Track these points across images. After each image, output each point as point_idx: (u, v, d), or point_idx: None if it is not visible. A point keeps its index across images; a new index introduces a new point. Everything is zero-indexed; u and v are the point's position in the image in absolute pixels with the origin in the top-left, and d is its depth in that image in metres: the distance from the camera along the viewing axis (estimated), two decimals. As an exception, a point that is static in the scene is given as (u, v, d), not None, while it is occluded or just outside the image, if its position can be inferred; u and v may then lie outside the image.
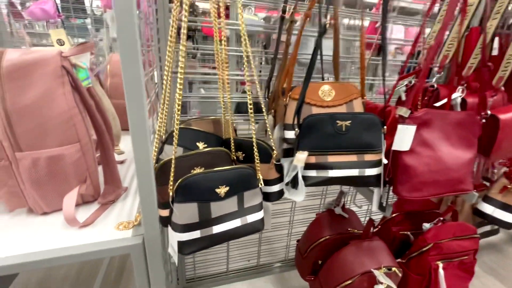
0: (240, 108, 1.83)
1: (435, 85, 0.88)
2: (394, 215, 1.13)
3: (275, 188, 0.69)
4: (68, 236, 0.55)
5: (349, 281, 0.82)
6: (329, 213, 1.03)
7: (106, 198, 0.66)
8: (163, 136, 0.68)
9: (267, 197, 0.68)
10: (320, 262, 1.01)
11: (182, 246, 0.56)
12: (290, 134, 0.66)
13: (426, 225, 1.00)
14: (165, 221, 0.60)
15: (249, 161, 0.69)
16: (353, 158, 0.60)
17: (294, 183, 0.61)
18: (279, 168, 0.65)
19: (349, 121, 0.58)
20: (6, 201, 0.59)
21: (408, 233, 1.11)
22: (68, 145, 0.58)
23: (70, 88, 0.58)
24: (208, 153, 0.63)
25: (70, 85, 0.58)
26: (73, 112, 0.58)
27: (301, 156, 0.59)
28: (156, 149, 0.61)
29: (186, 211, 0.55)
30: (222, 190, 0.57)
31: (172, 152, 0.65)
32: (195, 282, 1.21)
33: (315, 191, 1.38)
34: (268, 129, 0.71)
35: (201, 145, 0.72)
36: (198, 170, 0.62)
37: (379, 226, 1.19)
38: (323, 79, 0.89)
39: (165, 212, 0.60)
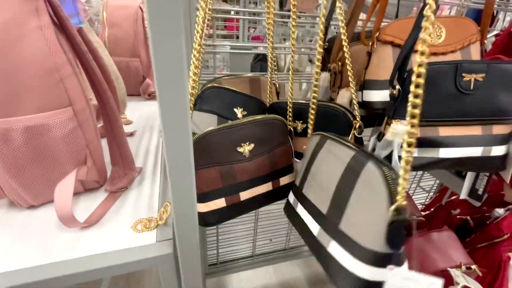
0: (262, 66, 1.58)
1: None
2: (453, 197, 0.96)
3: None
4: (64, 242, 0.37)
5: (416, 281, 0.67)
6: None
7: (115, 184, 0.48)
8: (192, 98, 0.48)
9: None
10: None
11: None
12: (378, 96, 0.46)
13: (499, 211, 0.83)
14: (204, 218, 0.42)
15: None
16: (476, 130, 0.41)
17: None
18: (361, 143, 0.46)
19: (483, 74, 0.38)
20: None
21: (468, 217, 0.95)
22: (55, 110, 0.38)
23: (49, 20, 0.37)
24: (259, 123, 0.43)
25: (49, 17, 0.37)
26: (58, 60, 0.38)
27: (400, 128, 0.40)
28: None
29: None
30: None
31: (204, 121, 0.45)
32: (218, 267, 1.09)
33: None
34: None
35: (239, 111, 0.52)
36: (246, 148, 0.42)
37: (432, 209, 1.03)
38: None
39: (202, 207, 0.42)
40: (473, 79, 0.38)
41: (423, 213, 1.02)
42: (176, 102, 0.26)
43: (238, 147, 0.42)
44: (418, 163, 0.42)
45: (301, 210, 0.41)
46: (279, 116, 0.45)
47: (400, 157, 0.42)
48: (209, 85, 0.49)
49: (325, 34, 0.61)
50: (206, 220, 0.42)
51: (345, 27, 0.40)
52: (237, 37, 1.61)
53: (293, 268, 1.25)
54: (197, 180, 0.41)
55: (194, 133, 0.45)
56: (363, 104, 0.48)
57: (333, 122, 0.46)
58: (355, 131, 0.45)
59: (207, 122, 0.48)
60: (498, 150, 0.42)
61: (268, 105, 0.56)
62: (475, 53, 0.45)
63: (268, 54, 0.53)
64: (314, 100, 0.44)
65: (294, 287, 1.18)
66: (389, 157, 0.42)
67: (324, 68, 0.64)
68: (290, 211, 0.45)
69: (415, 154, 0.42)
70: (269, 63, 0.54)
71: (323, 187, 0.36)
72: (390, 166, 0.30)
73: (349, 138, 0.47)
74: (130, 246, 0.38)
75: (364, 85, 0.47)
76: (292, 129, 0.48)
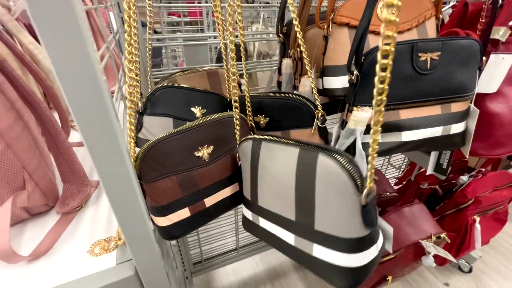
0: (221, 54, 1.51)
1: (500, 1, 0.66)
2: (422, 169, 1.00)
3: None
4: (6, 281, 0.33)
5: (392, 255, 0.69)
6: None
7: (67, 205, 0.44)
8: (139, 103, 0.43)
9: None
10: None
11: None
12: (338, 82, 0.44)
13: (464, 178, 0.88)
14: (168, 231, 0.39)
15: (275, 127, 0.48)
16: (436, 110, 0.40)
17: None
18: (325, 133, 0.44)
19: (438, 53, 0.37)
20: None
21: (436, 186, 0.99)
22: (-30, 134, 0.33)
23: None
24: (216, 123, 0.40)
25: None
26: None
27: (362, 115, 0.38)
28: (132, 125, 0.37)
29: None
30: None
31: (158, 126, 0.42)
32: (203, 265, 1.08)
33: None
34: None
35: (197, 110, 0.48)
36: (205, 152, 0.39)
37: (403, 182, 1.07)
38: None
39: (163, 221, 0.39)
40: (429, 58, 0.37)
41: (396, 187, 1.06)
42: (99, 112, 0.22)
43: (195, 151, 0.39)
44: (381, 149, 0.42)
45: (265, 223, 0.38)
46: (236, 113, 0.42)
47: (363, 144, 0.42)
48: (159, 85, 0.44)
49: (282, 17, 0.57)
50: (171, 233, 0.39)
51: (295, 11, 0.37)
52: (201, 23, 1.52)
53: (278, 254, 1.27)
54: (153, 194, 0.37)
55: (148, 141, 0.41)
56: (324, 92, 0.47)
57: (295, 113, 0.44)
58: (318, 121, 0.44)
59: (162, 127, 0.44)
60: (457, 128, 0.42)
61: (229, 99, 0.53)
62: (431, 30, 0.44)
63: (220, 42, 0.49)
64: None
65: (281, 272, 1.20)
66: (353, 145, 0.41)
67: (285, 54, 0.61)
68: (252, 227, 0.41)
69: (379, 139, 0.41)
70: (224, 53, 0.50)
71: (281, 194, 0.34)
72: (340, 151, 0.29)
73: (313, 129, 0.45)
74: (87, 274, 0.34)
75: (323, 72, 0.45)
76: (253, 124, 0.45)
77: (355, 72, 0.37)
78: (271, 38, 1.04)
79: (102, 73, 0.22)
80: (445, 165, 0.58)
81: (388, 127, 0.40)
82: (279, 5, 0.56)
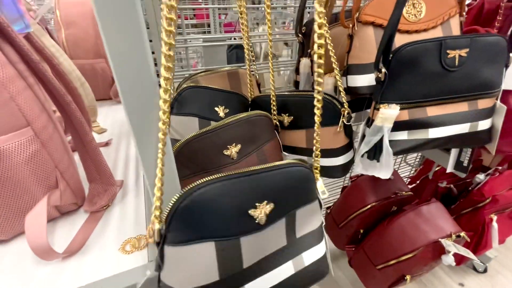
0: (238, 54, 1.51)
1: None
2: (437, 167, 0.99)
3: (339, 160, 0.49)
4: (43, 278, 0.34)
5: (411, 254, 0.69)
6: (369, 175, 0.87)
7: (95, 204, 0.44)
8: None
9: (327, 172, 0.49)
10: (361, 231, 0.88)
11: None
12: (363, 80, 0.44)
13: (480, 177, 0.87)
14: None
15: (299, 125, 0.48)
16: (463, 107, 0.40)
17: (375, 152, 0.41)
18: (350, 131, 0.45)
19: (466, 49, 0.37)
20: None
21: (451, 186, 0.99)
22: (10, 134, 0.34)
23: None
24: (243, 122, 0.40)
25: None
26: (3, 74, 0.32)
27: (390, 112, 0.38)
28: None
29: (194, 263, 0.27)
30: (260, 211, 0.30)
31: (184, 125, 0.42)
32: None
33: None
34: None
35: (221, 110, 0.49)
36: (233, 150, 0.40)
37: (417, 181, 1.06)
38: None
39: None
40: (458, 55, 0.37)
41: (410, 186, 1.06)
42: (145, 106, 0.23)
43: (224, 150, 0.39)
44: (409, 146, 0.42)
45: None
46: (263, 112, 0.43)
47: (390, 141, 0.42)
48: (185, 85, 0.45)
49: (301, 17, 0.58)
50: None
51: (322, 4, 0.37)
52: (208, 25, 1.53)
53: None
54: (185, 191, 0.38)
55: (176, 140, 0.41)
56: (349, 90, 0.47)
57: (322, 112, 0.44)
58: (344, 119, 0.44)
59: (188, 126, 0.45)
60: (484, 124, 0.42)
61: (250, 99, 0.53)
62: (455, 27, 0.44)
63: (244, 44, 0.49)
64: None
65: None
66: (379, 143, 0.41)
67: (303, 53, 0.62)
68: None
69: (405, 137, 0.42)
70: (246, 54, 0.50)
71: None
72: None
73: (338, 127, 0.45)
74: (120, 271, 0.35)
75: (348, 70, 0.45)
76: (277, 123, 0.46)
77: (383, 70, 0.37)
78: (277, 39, 1.04)
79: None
80: (466, 162, 0.57)
81: (415, 124, 0.40)
82: (283, 6, 0.56)
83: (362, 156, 0.43)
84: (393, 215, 0.79)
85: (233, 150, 0.40)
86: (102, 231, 0.41)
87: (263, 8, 1.77)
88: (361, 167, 0.45)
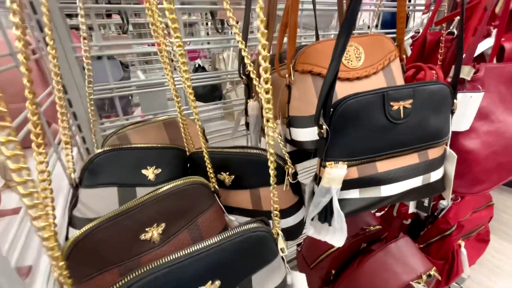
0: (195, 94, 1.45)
1: (456, 32, 0.68)
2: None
3: (290, 221, 0.43)
4: None
5: (384, 300, 0.64)
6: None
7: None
8: (72, 175, 0.36)
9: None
10: (333, 271, 0.82)
11: None
12: (306, 135, 0.40)
13: (444, 203, 0.86)
14: None
15: (242, 185, 0.42)
16: (414, 159, 0.37)
17: (326, 215, 0.36)
18: (298, 188, 0.39)
19: (410, 100, 0.34)
20: None
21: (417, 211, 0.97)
22: None
23: None
24: (168, 196, 0.33)
25: None
26: None
27: (337, 172, 0.34)
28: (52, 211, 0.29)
29: None
30: None
31: (99, 198, 0.35)
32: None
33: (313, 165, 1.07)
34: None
35: (150, 172, 0.41)
36: (154, 233, 0.32)
37: (384, 209, 1.04)
38: (317, 34, 0.62)
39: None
40: (402, 106, 0.34)
41: (378, 214, 1.03)
42: None
43: (141, 234, 0.32)
44: (362, 205, 0.37)
45: None
46: (194, 178, 0.36)
47: (341, 201, 0.37)
48: (99, 150, 0.37)
49: (243, 58, 0.54)
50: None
51: (248, 57, 0.32)
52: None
53: None
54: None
55: (90, 220, 0.34)
56: (293, 143, 0.42)
57: (263, 170, 0.39)
58: (289, 178, 0.39)
59: (103, 200, 0.37)
60: (436, 175, 0.39)
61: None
62: (397, 72, 0.42)
63: (169, 85, 0.42)
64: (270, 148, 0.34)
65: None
66: (328, 206, 0.36)
67: (250, 95, 0.57)
68: None
69: (356, 195, 0.37)
70: (173, 96, 0.42)
71: None
72: None
73: (284, 186, 0.40)
74: None
75: (290, 122, 0.41)
76: (216, 186, 0.39)
77: (324, 126, 0.33)
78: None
79: None
80: (426, 203, 0.55)
81: (365, 182, 0.36)
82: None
83: (312, 219, 0.38)
84: (362, 254, 0.74)
85: (154, 233, 0.32)
86: None
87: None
88: (312, 231, 0.39)
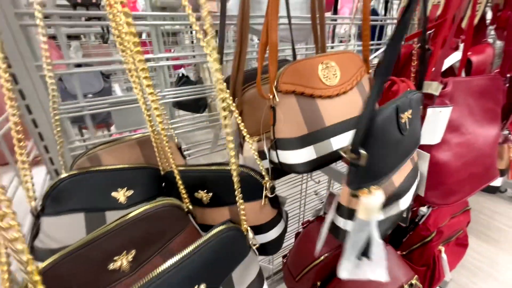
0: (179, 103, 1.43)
1: (428, 45, 0.70)
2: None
3: (270, 235, 0.42)
4: None
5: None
6: (320, 222, 0.82)
7: None
8: (32, 203, 0.33)
9: (260, 250, 0.42)
10: (319, 283, 0.81)
11: None
12: (297, 157, 0.38)
13: (424, 209, 0.88)
14: None
15: (220, 202, 0.41)
16: (409, 166, 0.38)
17: (364, 250, 0.35)
18: (276, 201, 0.39)
19: (410, 110, 0.35)
20: None
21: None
22: None
23: None
24: (138, 221, 0.32)
25: None
26: None
27: (375, 200, 0.31)
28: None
29: None
30: None
31: (60, 228, 0.33)
32: None
33: (292, 177, 1.09)
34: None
35: (121, 194, 0.39)
36: (124, 261, 0.31)
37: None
38: (294, 54, 0.62)
39: None
40: (407, 117, 0.35)
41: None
42: None
43: (109, 264, 0.30)
44: (387, 227, 0.37)
45: None
46: (166, 200, 0.35)
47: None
48: (64, 175, 0.35)
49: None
50: None
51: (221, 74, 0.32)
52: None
53: None
54: None
55: (52, 251, 0.31)
56: (281, 166, 0.41)
57: (244, 186, 0.38)
58: (267, 192, 0.38)
59: (68, 228, 0.34)
60: (418, 180, 0.40)
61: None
62: (367, 86, 0.43)
63: (140, 104, 0.40)
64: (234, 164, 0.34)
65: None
66: (368, 239, 0.34)
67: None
68: None
69: (382, 217, 0.35)
70: (145, 115, 0.41)
71: None
72: None
73: (262, 201, 0.39)
74: None
75: (276, 144, 0.40)
76: (190, 207, 0.38)
77: (364, 152, 0.30)
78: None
79: None
80: (405, 213, 0.55)
81: (389, 200, 0.35)
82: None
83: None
84: (347, 265, 0.74)
85: (123, 261, 0.30)
86: None
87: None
88: (346, 273, 0.36)
